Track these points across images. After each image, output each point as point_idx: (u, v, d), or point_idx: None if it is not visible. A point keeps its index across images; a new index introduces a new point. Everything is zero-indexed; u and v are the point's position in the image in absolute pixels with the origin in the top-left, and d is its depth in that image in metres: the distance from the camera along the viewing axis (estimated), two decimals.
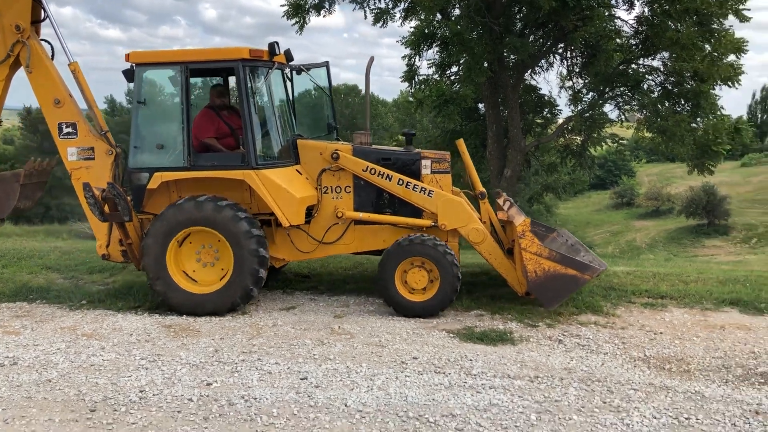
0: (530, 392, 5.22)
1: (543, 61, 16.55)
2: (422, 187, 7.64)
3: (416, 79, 16.34)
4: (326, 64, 8.48)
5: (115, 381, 5.42)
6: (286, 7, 15.75)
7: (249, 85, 7.35)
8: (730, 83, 14.36)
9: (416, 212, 7.77)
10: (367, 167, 7.72)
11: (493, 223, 7.96)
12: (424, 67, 18.58)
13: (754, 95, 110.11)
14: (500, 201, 8.46)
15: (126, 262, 8.11)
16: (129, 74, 7.59)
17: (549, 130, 17.64)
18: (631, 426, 4.59)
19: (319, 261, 10.04)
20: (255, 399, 5.03)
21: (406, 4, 15.65)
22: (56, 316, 7.45)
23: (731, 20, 13.97)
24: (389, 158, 7.83)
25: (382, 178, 7.70)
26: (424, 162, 7.80)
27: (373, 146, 8.11)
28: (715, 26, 14.01)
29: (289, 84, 8.42)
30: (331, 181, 7.87)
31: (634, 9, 15.03)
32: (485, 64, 14.55)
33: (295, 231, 7.84)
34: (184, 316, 7.36)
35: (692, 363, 5.90)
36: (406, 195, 7.69)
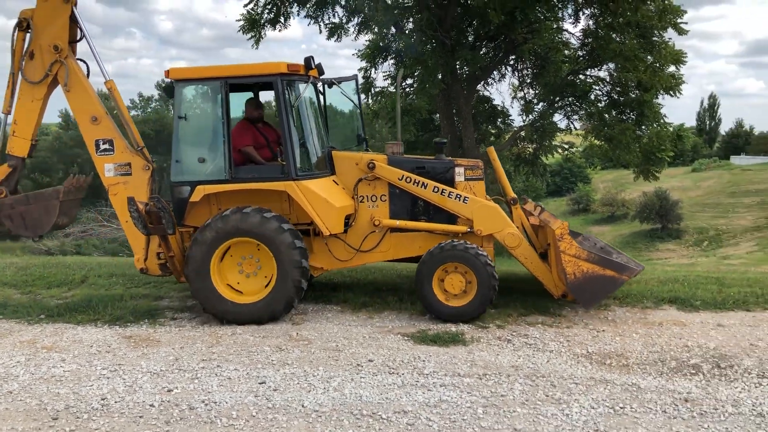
0: (478, 388, 5.51)
1: (495, 72, 17.09)
2: (457, 194, 7.84)
3: (372, 91, 16.69)
4: (355, 78, 8.72)
5: (77, 390, 5.54)
6: (241, 22, 15.95)
7: (287, 98, 7.57)
8: (671, 92, 15.07)
9: (451, 219, 7.96)
10: (403, 176, 7.92)
11: (526, 228, 8.18)
12: (380, 79, 18.97)
13: (702, 103, 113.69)
14: (529, 207, 8.64)
15: (164, 275, 8.20)
16: (169, 90, 7.82)
17: (502, 140, 18.14)
18: (570, 416, 4.91)
19: None
20: (215, 403, 5.22)
21: (360, 19, 15.99)
22: (14, 331, 7.49)
23: (671, 33, 14.67)
24: (423, 167, 8.03)
25: (417, 186, 7.90)
26: (457, 170, 8.00)
27: (405, 156, 8.34)
28: (656, 39, 14.69)
29: (321, 97, 8.67)
30: (366, 191, 8.06)
31: (579, 22, 15.63)
32: (439, 77, 14.97)
33: (333, 240, 8.01)
34: (145, 326, 7.49)
35: (631, 357, 6.27)
36: (442, 202, 7.89)
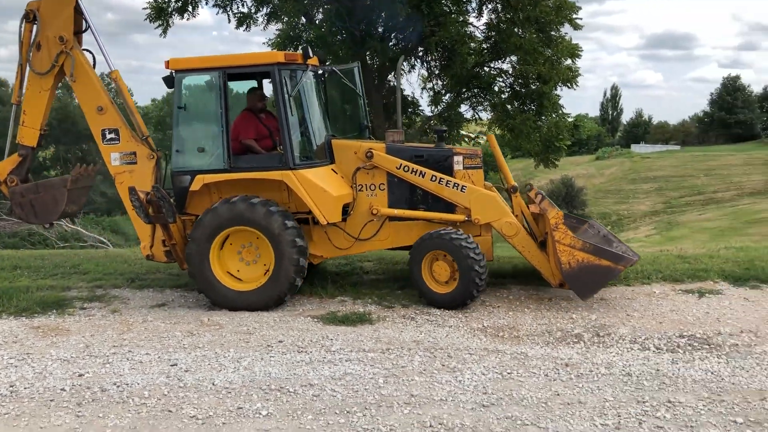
0: (381, 362, 5.90)
1: (405, 63, 17.53)
2: (455, 183, 7.82)
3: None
4: (357, 66, 8.73)
5: None
6: (148, 10, 15.72)
7: (285, 88, 7.57)
8: (569, 84, 15.94)
9: (449, 207, 7.94)
10: (401, 165, 7.90)
11: (526, 217, 8.19)
12: None
13: (605, 93, 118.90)
14: (532, 194, 8.54)
15: (169, 262, 8.28)
16: (169, 81, 7.79)
17: (413, 130, 18.66)
18: (462, 382, 5.37)
19: None
20: (127, 385, 5.38)
21: (269, 9, 16.07)
22: None
23: (568, 28, 15.54)
24: (422, 155, 8.02)
25: (415, 174, 7.89)
26: (456, 158, 7.97)
27: (405, 144, 8.31)
28: (554, 33, 15.52)
29: (321, 86, 8.63)
30: (365, 179, 8.06)
31: (483, 16, 16.28)
32: None
33: (332, 228, 8.03)
34: (53, 316, 7.50)
35: (522, 330, 6.83)
36: (439, 191, 7.87)
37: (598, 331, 6.69)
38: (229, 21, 16.27)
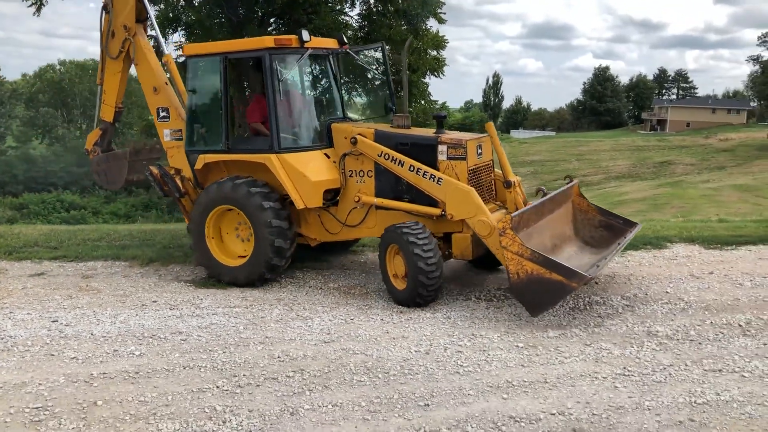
0: (244, 314, 6.84)
1: None
2: (431, 174, 7.31)
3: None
4: (381, 46, 8.76)
5: None
6: None
7: (274, 72, 7.52)
8: (435, 73, 17.27)
9: (433, 200, 7.38)
10: (382, 152, 7.57)
11: None
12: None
13: (488, 80, 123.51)
14: (538, 195, 7.95)
15: None
16: (184, 65, 8.21)
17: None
18: (311, 326, 6.40)
19: (67, 233, 10.81)
20: (11, 337, 6.02)
21: None
22: None
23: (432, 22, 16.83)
24: (406, 143, 7.63)
25: (395, 163, 7.51)
26: (440, 147, 7.41)
27: (399, 130, 7.86)
28: (425, 26, 16.76)
29: (331, 67, 8.52)
30: (355, 165, 7.85)
31: (355, 7, 17.27)
32: None
33: (325, 213, 8.04)
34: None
35: (370, 287, 7.94)
36: (417, 182, 7.42)
37: None
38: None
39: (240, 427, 4.34)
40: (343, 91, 8.79)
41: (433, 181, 7.30)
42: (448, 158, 7.38)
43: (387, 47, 17.18)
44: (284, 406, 4.64)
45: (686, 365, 5.28)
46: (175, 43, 16.86)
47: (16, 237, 10.60)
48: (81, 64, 73.76)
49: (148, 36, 9.19)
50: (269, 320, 6.63)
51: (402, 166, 7.49)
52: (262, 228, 7.69)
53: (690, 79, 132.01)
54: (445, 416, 4.46)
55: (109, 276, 8.54)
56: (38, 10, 14.98)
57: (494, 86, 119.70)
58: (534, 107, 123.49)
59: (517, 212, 6.77)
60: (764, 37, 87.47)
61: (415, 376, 5.15)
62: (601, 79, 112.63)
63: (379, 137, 7.71)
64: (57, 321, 6.55)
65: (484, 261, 8.00)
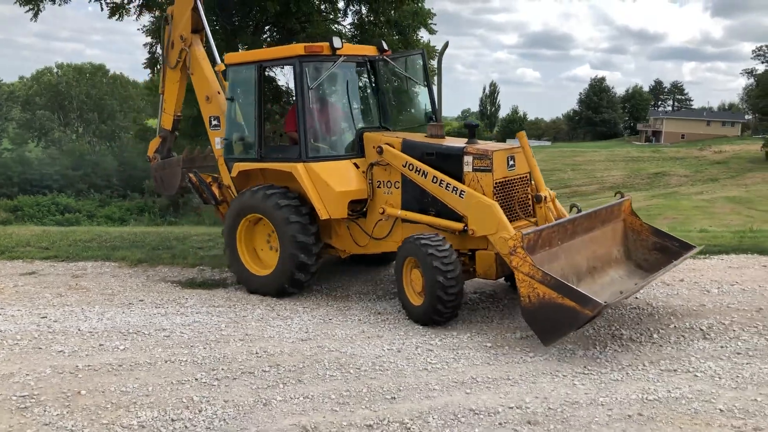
0: (227, 313, 7.10)
1: None
2: (454, 187, 6.90)
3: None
4: (422, 52, 8.51)
5: None
6: None
7: (305, 80, 7.40)
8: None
9: (458, 214, 6.94)
10: (407, 163, 7.26)
11: None
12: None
13: (484, 89, 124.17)
14: (574, 211, 7.23)
15: None
16: (225, 74, 8.35)
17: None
18: (290, 325, 6.66)
19: (59, 234, 11.07)
20: (1, 331, 6.26)
21: (141, 1, 16.57)
22: None
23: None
24: (433, 153, 7.26)
25: (419, 174, 7.17)
26: (466, 158, 6.95)
27: (427, 140, 7.49)
28: (416, 36, 17.14)
29: (368, 75, 8.44)
30: (383, 176, 7.56)
31: (348, 17, 17.62)
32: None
33: (354, 225, 7.80)
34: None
35: (351, 290, 8.19)
36: (440, 194, 7.02)
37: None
38: (102, 9, 16.59)
39: (215, 416, 4.59)
40: (386, 100, 8.57)
41: (456, 193, 6.89)
42: (474, 170, 6.91)
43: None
44: (258, 397, 4.89)
45: (644, 365, 5.55)
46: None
47: (8, 237, 10.85)
48: (78, 68, 74.14)
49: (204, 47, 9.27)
50: (250, 319, 6.88)
51: (426, 177, 7.12)
52: (287, 241, 7.54)
53: (686, 91, 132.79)
54: (409, 408, 4.72)
55: (98, 276, 8.78)
56: (35, 15, 15.27)
57: (491, 95, 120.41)
58: (531, 117, 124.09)
59: (532, 229, 6.13)
60: (758, 50, 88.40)
61: (385, 372, 5.41)
62: (597, 89, 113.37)
63: (406, 147, 7.39)
64: (46, 317, 6.80)
65: (511, 279, 7.56)
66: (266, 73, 8.68)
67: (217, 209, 8.95)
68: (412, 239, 6.75)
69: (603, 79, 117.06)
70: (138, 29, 16.69)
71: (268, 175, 8.00)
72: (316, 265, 7.77)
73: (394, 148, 7.43)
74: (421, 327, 6.65)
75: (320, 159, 7.65)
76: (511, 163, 7.07)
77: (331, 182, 7.44)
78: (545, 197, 6.84)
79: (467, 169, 6.95)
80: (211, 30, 15.87)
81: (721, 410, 4.67)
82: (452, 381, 5.24)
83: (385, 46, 8.21)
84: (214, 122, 8.76)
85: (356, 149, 7.84)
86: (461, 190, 6.84)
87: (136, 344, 6.02)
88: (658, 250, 7.31)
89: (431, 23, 16.88)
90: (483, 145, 7.19)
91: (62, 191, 44.70)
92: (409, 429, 4.40)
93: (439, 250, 6.49)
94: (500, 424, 4.50)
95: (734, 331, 6.34)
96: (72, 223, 30.48)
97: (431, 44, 17.59)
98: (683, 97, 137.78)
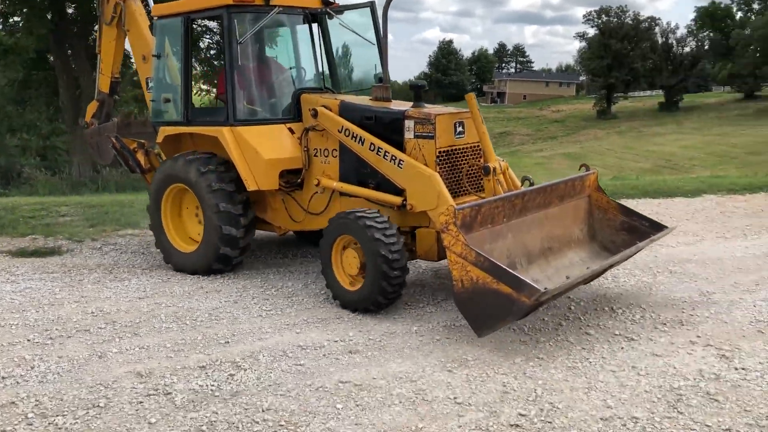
0: (61, 278, 7.05)
1: None
2: (393, 156, 6.05)
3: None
4: (371, 5, 7.39)
5: None
6: None
7: (233, 34, 6.64)
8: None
9: (398, 187, 6.13)
10: (343, 128, 6.41)
11: None
12: None
13: (337, 51, 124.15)
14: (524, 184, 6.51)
15: None
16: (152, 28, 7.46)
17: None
18: (128, 286, 6.76)
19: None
20: None
21: None
22: None
23: None
24: (372, 117, 6.40)
25: (356, 141, 6.32)
26: (407, 123, 6.10)
27: (367, 102, 6.68)
28: None
29: (318, 31, 7.70)
30: (319, 143, 6.74)
31: None
32: (48, 16, 15.26)
33: (289, 198, 7.05)
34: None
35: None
36: (377, 163, 6.19)
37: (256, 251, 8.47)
38: None
39: (48, 371, 4.68)
40: (333, 60, 7.87)
41: (394, 163, 6.04)
42: (415, 136, 6.07)
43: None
44: (93, 351, 5.03)
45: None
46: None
47: None
48: None
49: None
50: (86, 282, 6.90)
51: (363, 144, 6.27)
52: (211, 212, 6.80)
53: (527, 54, 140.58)
54: (241, 350, 5.07)
55: None
56: None
57: (343, 58, 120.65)
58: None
59: (468, 204, 5.24)
60: (588, 15, 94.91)
61: (221, 321, 5.71)
62: (446, 52, 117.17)
63: (344, 110, 6.56)
64: None
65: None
66: (194, 26, 8.03)
67: (144, 178, 8.46)
68: (344, 215, 5.89)
69: (451, 41, 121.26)
70: None
71: (197, 141, 7.35)
72: (246, 239, 7.03)
73: (330, 110, 6.60)
74: (259, 281, 6.97)
75: (250, 123, 6.89)
76: (459, 129, 6.18)
77: (260, 149, 6.66)
78: (494, 168, 5.91)
79: (408, 135, 6.11)
80: None
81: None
82: (284, 324, 5.65)
83: None
84: (151, 84, 8.11)
85: (293, 113, 7.04)
86: (400, 160, 6.00)
87: None
88: (626, 231, 6.50)
89: None
90: (428, 108, 6.25)
91: None
92: (240, 366, 4.76)
93: (378, 221, 5.69)
94: (324, 355, 4.97)
95: None
96: None
97: None
98: (525, 59, 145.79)
